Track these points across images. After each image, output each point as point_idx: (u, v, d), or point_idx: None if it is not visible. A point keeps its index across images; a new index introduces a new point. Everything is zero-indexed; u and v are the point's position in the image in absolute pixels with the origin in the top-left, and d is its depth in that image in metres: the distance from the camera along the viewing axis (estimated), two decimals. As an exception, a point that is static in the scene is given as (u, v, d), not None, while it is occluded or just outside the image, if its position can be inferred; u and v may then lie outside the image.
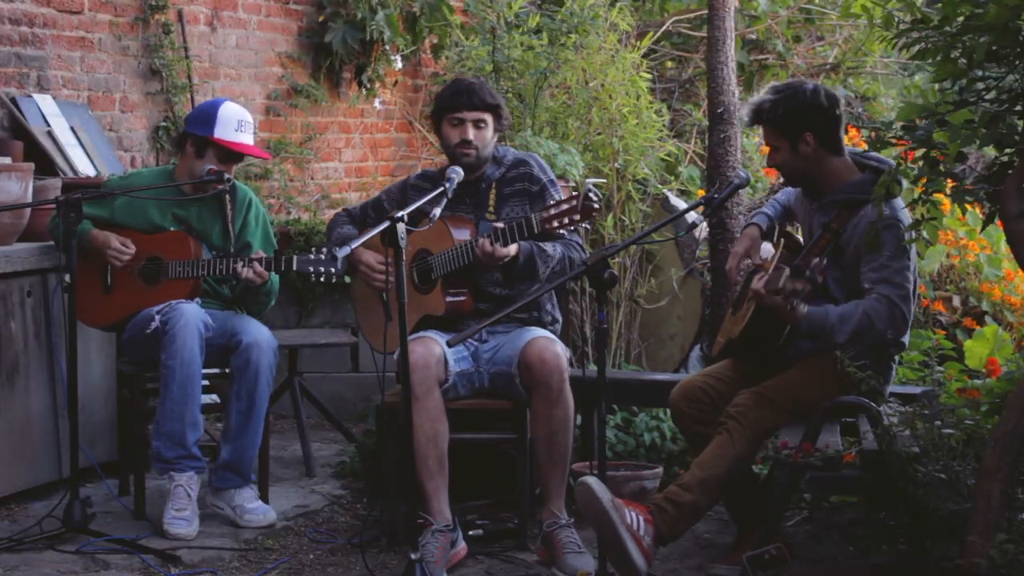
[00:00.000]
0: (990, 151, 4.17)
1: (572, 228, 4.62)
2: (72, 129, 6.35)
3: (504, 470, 5.19)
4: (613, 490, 4.27)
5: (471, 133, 4.91)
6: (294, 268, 5.01)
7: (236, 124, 5.23)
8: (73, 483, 4.91)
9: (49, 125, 6.24)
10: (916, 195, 4.07)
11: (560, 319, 5.12)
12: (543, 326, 4.97)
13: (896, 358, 4.60)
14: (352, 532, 5.09)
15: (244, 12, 7.88)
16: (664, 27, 9.06)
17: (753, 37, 9.48)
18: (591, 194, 4.47)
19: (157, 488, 5.31)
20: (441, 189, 4.63)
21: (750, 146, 8.06)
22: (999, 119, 3.80)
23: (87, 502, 4.98)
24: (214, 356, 5.13)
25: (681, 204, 6.91)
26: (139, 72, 7.09)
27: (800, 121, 4.47)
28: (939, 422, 4.05)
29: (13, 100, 6.20)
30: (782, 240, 4.59)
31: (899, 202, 4.43)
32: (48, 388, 5.44)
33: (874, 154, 4.51)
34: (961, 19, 3.72)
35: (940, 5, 3.74)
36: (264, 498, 5.28)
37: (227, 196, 5.27)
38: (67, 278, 4.89)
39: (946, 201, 4.76)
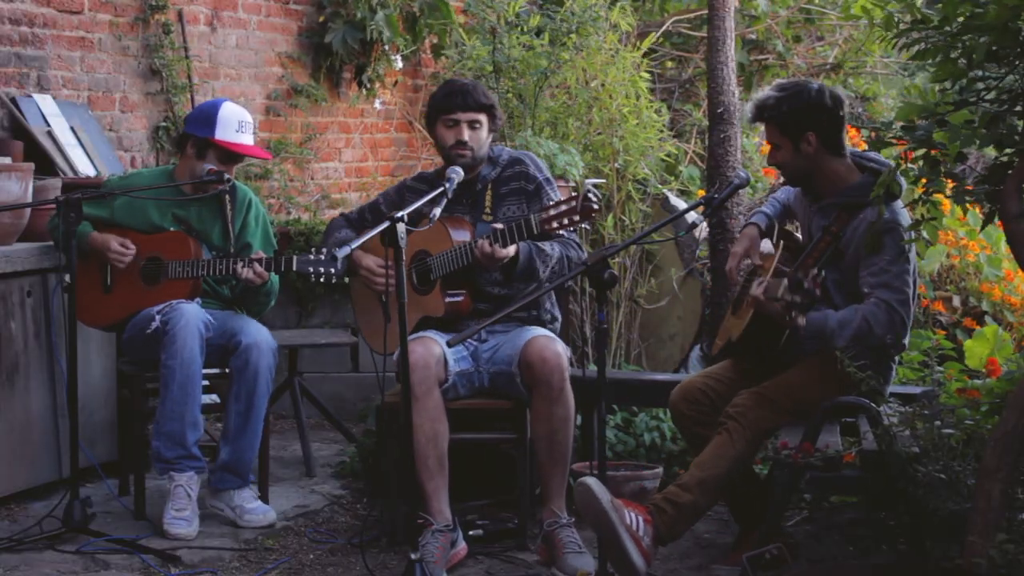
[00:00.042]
0: (990, 151, 4.17)
1: (572, 229, 4.62)
2: (72, 129, 6.35)
3: (504, 470, 5.19)
4: (613, 490, 4.27)
5: (466, 134, 4.91)
6: (294, 268, 5.01)
7: (237, 125, 5.23)
8: (73, 483, 4.91)
9: (49, 125, 6.24)
10: (916, 195, 4.07)
11: (559, 317, 5.12)
12: (542, 324, 4.97)
13: (896, 358, 4.60)
14: (352, 532, 5.09)
15: (244, 12, 7.88)
16: (664, 27, 9.07)
17: (753, 37, 9.48)
18: (591, 195, 4.47)
19: (157, 488, 5.31)
20: (441, 189, 4.63)
21: (750, 146, 8.06)
22: (999, 119, 3.80)
23: (87, 502, 4.98)
24: (213, 356, 5.13)
25: (681, 204, 6.91)
26: (139, 72, 7.09)
27: (804, 121, 4.46)
28: (939, 422, 4.05)
29: (13, 100, 6.20)
30: (781, 242, 4.59)
31: (899, 204, 4.43)
32: (48, 388, 5.44)
33: (873, 155, 4.51)
34: (961, 19, 3.72)
35: (940, 5, 3.74)
36: (264, 498, 5.28)
37: (227, 196, 5.27)
38: (67, 278, 4.89)
39: (946, 201, 4.76)
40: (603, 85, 6.87)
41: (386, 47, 8.57)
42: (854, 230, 4.42)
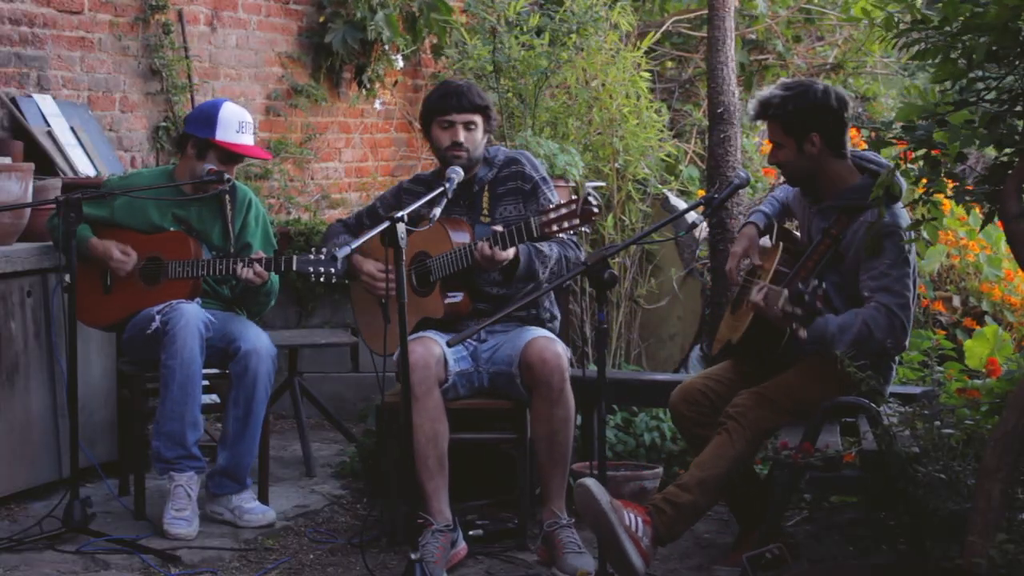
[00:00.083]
0: (990, 151, 4.17)
1: (572, 233, 4.61)
2: (72, 129, 6.35)
3: (504, 470, 5.19)
4: (613, 490, 4.27)
5: (461, 135, 4.90)
6: (294, 268, 5.01)
7: (237, 125, 5.23)
8: (73, 483, 4.91)
9: (49, 125, 6.24)
10: (916, 195, 4.07)
11: (559, 316, 5.12)
12: (542, 324, 4.97)
13: (896, 359, 4.60)
14: (352, 532, 5.09)
15: (244, 12, 7.88)
16: (664, 27, 9.07)
17: (753, 37, 9.48)
18: (591, 198, 4.46)
19: (157, 488, 5.31)
20: (441, 189, 4.63)
21: (750, 146, 8.06)
22: (999, 119, 3.80)
23: (87, 502, 4.98)
24: (213, 358, 5.12)
25: (681, 204, 6.92)
26: (139, 72, 7.09)
27: (808, 121, 4.45)
28: (939, 422, 4.04)
29: (13, 100, 6.20)
30: (781, 243, 4.58)
31: (899, 206, 4.42)
32: (48, 388, 5.44)
33: (873, 155, 4.51)
34: (961, 20, 3.72)
35: (940, 6, 3.73)
36: (264, 498, 5.28)
37: (227, 196, 5.27)
38: (67, 278, 4.88)
39: (946, 201, 4.76)
40: (603, 85, 6.88)
41: (386, 47, 8.57)
42: (854, 233, 4.42)
